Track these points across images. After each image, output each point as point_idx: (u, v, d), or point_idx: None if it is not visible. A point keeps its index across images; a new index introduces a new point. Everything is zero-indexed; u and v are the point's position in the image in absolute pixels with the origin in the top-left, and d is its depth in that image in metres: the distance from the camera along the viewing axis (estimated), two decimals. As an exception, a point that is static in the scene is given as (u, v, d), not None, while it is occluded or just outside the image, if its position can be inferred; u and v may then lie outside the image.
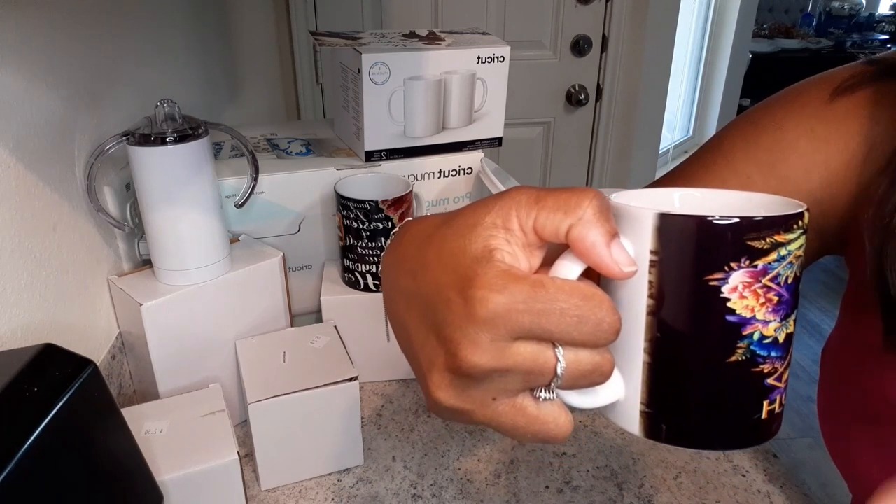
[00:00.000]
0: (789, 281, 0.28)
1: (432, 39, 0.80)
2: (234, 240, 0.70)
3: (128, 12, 0.75)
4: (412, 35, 0.82)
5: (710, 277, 0.27)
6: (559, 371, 0.26)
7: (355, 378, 0.59)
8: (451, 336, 0.26)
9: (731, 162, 0.47)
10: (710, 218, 0.26)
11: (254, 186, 0.67)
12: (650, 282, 0.28)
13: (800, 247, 0.28)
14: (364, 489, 0.61)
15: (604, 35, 1.81)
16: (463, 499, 0.60)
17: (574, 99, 1.86)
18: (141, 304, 0.58)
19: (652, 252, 0.28)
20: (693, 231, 0.27)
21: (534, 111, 1.86)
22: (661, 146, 2.34)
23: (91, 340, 0.62)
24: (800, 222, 0.27)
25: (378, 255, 0.70)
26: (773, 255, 0.27)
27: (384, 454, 0.65)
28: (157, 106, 0.58)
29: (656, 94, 2.04)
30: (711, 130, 2.78)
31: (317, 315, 0.75)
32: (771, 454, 0.64)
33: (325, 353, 0.63)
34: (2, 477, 0.32)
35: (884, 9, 5.02)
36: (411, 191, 0.70)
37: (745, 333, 0.28)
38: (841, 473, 0.50)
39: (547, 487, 0.60)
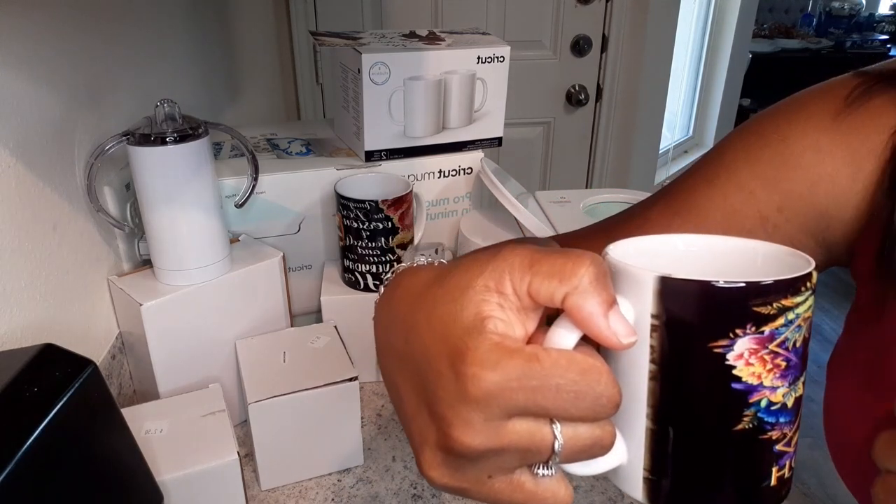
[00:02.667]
0: (798, 344, 0.26)
1: (432, 39, 0.80)
2: (234, 240, 0.70)
3: (128, 13, 0.75)
4: (412, 35, 0.82)
5: (715, 344, 0.26)
6: (557, 448, 0.25)
7: (355, 378, 0.59)
8: (442, 414, 0.25)
9: (734, 176, 0.46)
10: (713, 283, 0.25)
11: (254, 186, 0.67)
12: (652, 346, 0.27)
13: (808, 308, 0.26)
14: (364, 489, 0.61)
15: (604, 35, 1.81)
16: (463, 499, 0.60)
17: (574, 99, 1.86)
18: (141, 304, 0.58)
19: (653, 316, 0.26)
20: (696, 296, 0.25)
21: (534, 111, 1.86)
22: (661, 146, 2.34)
23: (91, 340, 0.62)
24: (808, 283, 0.26)
25: (378, 255, 0.70)
26: (781, 320, 0.25)
27: (384, 454, 0.65)
28: (157, 106, 0.58)
29: (656, 94, 2.04)
30: (711, 130, 2.78)
31: (317, 315, 0.75)
32: (771, 454, 0.64)
33: (325, 353, 0.63)
34: (2, 477, 0.32)
35: (884, 9, 5.02)
36: (411, 191, 0.70)
37: (751, 401, 0.26)
38: (840, 474, 0.50)
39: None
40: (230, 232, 0.71)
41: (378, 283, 0.71)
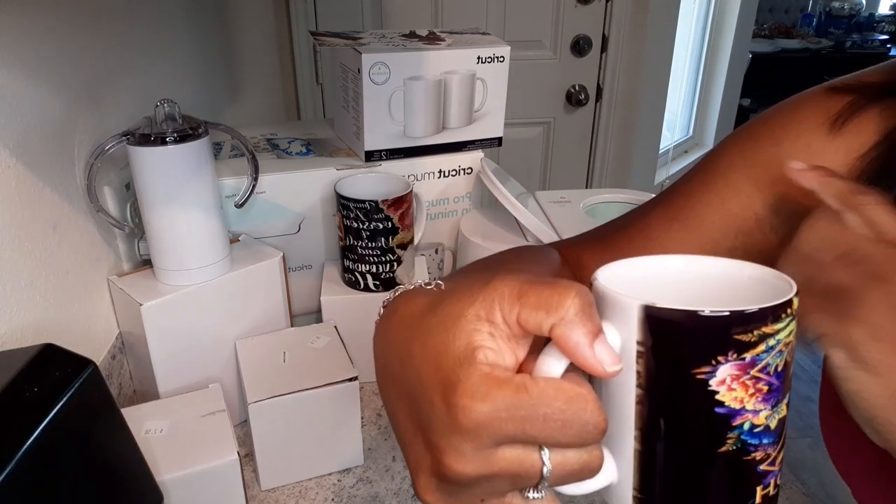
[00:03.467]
0: (779, 369, 0.27)
1: (432, 39, 0.80)
2: (234, 240, 0.70)
3: (128, 13, 0.75)
4: (412, 35, 0.82)
5: (698, 371, 0.26)
6: (545, 473, 0.26)
7: (355, 378, 0.59)
8: (436, 443, 0.26)
9: (730, 180, 0.47)
10: (696, 311, 0.26)
11: (254, 186, 0.67)
12: (638, 371, 0.28)
13: (789, 334, 0.27)
14: (364, 489, 0.61)
15: (604, 35, 1.81)
16: None
17: (574, 99, 1.86)
18: (141, 304, 0.58)
19: (638, 342, 0.27)
20: (679, 324, 0.26)
21: (534, 111, 1.86)
22: (661, 146, 2.34)
23: (91, 340, 0.62)
24: (788, 310, 0.27)
25: (378, 255, 0.70)
26: (762, 347, 0.26)
27: (384, 454, 0.65)
28: (157, 106, 0.58)
29: (656, 94, 2.04)
30: (711, 130, 2.78)
31: (317, 315, 0.75)
32: (771, 454, 0.64)
33: (325, 353, 0.63)
34: (2, 477, 0.32)
35: (884, 9, 5.02)
36: (411, 191, 0.70)
37: (734, 424, 0.27)
38: (840, 474, 0.50)
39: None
40: (230, 232, 0.71)
41: (378, 283, 0.71)
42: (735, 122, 2.88)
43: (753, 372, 0.27)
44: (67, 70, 0.60)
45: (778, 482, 0.30)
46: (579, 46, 1.80)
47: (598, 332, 0.26)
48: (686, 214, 0.49)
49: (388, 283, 0.71)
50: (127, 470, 0.43)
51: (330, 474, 0.63)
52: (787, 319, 0.27)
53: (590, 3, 1.76)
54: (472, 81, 0.79)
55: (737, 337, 0.26)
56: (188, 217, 0.60)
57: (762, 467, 0.29)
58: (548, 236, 0.74)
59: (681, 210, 0.49)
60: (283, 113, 1.71)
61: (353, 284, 0.72)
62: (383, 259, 0.70)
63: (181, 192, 0.59)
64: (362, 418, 0.69)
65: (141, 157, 0.57)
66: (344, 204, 0.68)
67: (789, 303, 0.27)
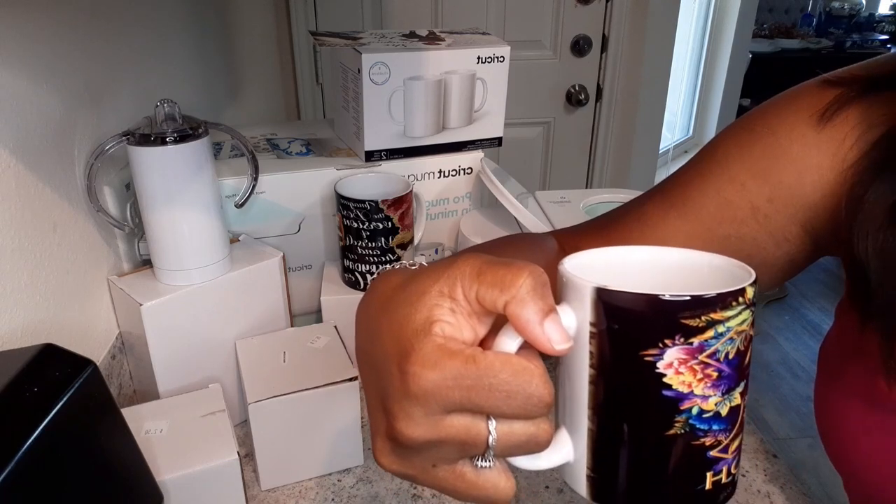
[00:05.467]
0: (731, 356, 0.28)
1: (432, 39, 0.80)
2: (234, 240, 0.70)
3: (128, 13, 0.75)
4: (412, 35, 0.82)
5: (645, 353, 0.27)
6: (491, 442, 0.27)
7: (355, 378, 0.59)
8: (390, 408, 0.28)
9: (726, 170, 0.48)
10: (642, 294, 0.27)
11: (254, 186, 0.67)
12: (591, 352, 0.29)
13: (742, 322, 0.27)
14: (364, 489, 0.61)
15: (604, 35, 1.81)
16: (453, 501, 0.60)
17: (574, 99, 1.86)
18: (141, 304, 0.58)
19: (591, 324, 0.28)
20: (627, 307, 0.27)
21: (534, 111, 1.86)
22: (661, 146, 2.34)
23: (91, 340, 0.62)
24: (740, 298, 0.27)
25: (378, 255, 0.70)
26: (710, 333, 0.27)
27: (384, 454, 0.65)
28: (157, 106, 0.58)
29: (656, 94, 2.04)
30: (711, 130, 2.78)
31: (317, 315, 0.75)
32: (771, 454, 0.64)
33: (325, 353, 0.63)
34: (2, 477, 0.32)
35: (884, 9, 5.02)
36: (411, 191, 0.70)
37: (682, 408, 0.28)
38: (835, 467, 0.50)
39: (547, 487, 0.60)
40: (230, 232, 0.71)
41: (378, 283, 0.71)
42: (735, 122, 2.88)
43: (702, 357, 0.27)
44: (67, 70, 0.60)
45: (733, 471, 0.30)
46: (579, 46, 1.80)
47: (549, 311, 0.27)
48: (682, 202, 0.50)
49: (388, 283, 0.71)
50: (127, 470, 0.43)
51: (330, 474, 0.63)
52: (739, 308, 0.27)
53: (590, 3, 1.76)
54: (472, 81, 0.79)
55: (684, 321, 0.26)
56: (188, 217, 0.60)
57: (712, 453, 0.29)
58: (548, 236, 0.74)
59: (677, 198, 0.50)
60: (283, 113, 1.71)
61: (353, 284, 0.72)
62: (383, 259, 0.70)
63: (181, 192, 0.59)
64: (362, 418, 0.69)
65: (141, 157, 0.57)
66: (344, 204, 0.68)
67: (741, 291, 0.27)
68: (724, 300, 0.27)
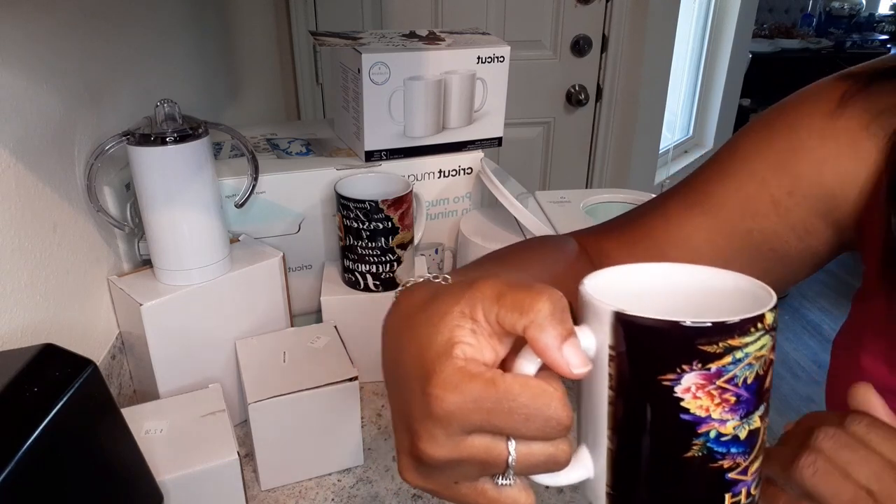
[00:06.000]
0: (749, 381, 0.28)
1: (432, 39, 0.80)
2: (234, 240, 0.70)
3: (128, 13, 0.75)
4: (412, 35, 0.82)
5: (663, 378, 0.27)
6: (510, 462, 0.28)
7: (355, 378, 0.59)
8: (414, 428, 0.29)
9: (746, 166, 0.49)
10: (660, 320, 0.27)
11: (254, 186, 0.67)
12: (610, 374, 0.29)
13: (761, 347, 0.27)
14: (364, 489, 0.61)
15: (604, 35, 1.81)
16: None
17: (574, 99, 1.86)
18: (141, 304, 0.58)
19: (610, 347, 0.28)
20: (645, 332, 0.27)
21: (534, 111, 1.86)
22: (661, 146, 2.34)
23: (91, 340, 0.62)
24: (759, 324, 0.27)
25: (378, 255, 0.70)
26: (728, 359, 0.27)
27: (384, 454, 0.65)
28: (157, 106, 0.58)
29: (656, 94, 2.04)
30: (711, 130, 2.78)
31: (317, 315, 0.75)
32: (771, 454, 0.64)
33: (325, 353, 0.63)
34: (2, 477, 0.32)
35: (884, 9, 5.02)
36: (411, 191, 0.70)
37: (700, 431, 0.28)
38: None
39: (547, 488, 0.60)
40: (230, 232, 0.71)
41: (378, 283, 0.71)
42: (735, 122, 2.88)
43: (719, 382, 0.27)
44: (67, 70, 0.60)
45: (753, 492, 0.30)
46: (579, 46, 1.80)
47: (567, 335, 0.27)
48: (704, 199, 0.50)
49: (388, 283, 0.71)
50: (127, 470, 0.43)
51: (330, 474, 0.63)
52: (758, 333, 0.27)
53: (590, 3, 1.76)
54: (472, 81, 0.79)
55: (701, 347, 0.27)
56: (188, 217, 0.60)
57: (731, 475, 0.29)
58: (548, 236, 0.74)
59: (699, 195, 0.51)
60: (283, 113, 1.71)
61: (353, 284, 0.72)
62: (383, 259, 0.70)
63: (181, 192, 0.59)
64: (362, 418, 0.69)
65: (141, 157, 0.57)
66: (344, 204, 0.68)
67: (760, 317, 0.27)
68: (743, 326, 0.27)
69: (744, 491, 0.30)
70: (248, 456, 0.63)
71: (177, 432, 0.54)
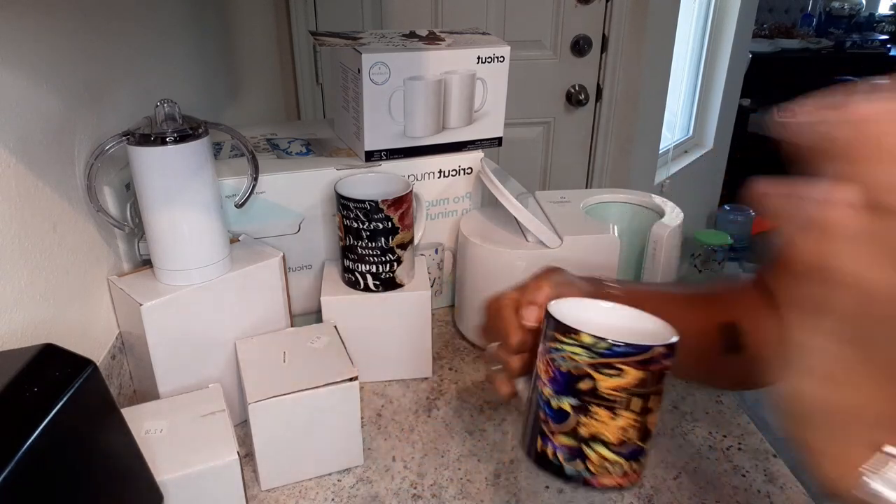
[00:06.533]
0: (561, 369, 0.42)
1: (432, 39, 0.80)
2: (234, 240, 0.70)
3: (128, 13, 0.75)
4: (412, 35, 0.82)
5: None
6: None
7: (355, 378, 0.59)
8: None
9: None
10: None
11: (254, 186, 0.67)
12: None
13: (574, 353, 0.41)
14: (364, 489, 0.61)
15: (604, 35, 1.81)
16: (463, 499, 0.60)
17: (574, 99, 1.86)
18: (141, 304, 0.58)
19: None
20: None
21: (534, 111, 1.86)
22: (661, 146, 2.34)
23: (91, 340, 0.62)
24: (574, 336, 0.41)
25: (378, 255, 0.70)
26: (556, 345, 0.42)
27: (384, 454, 0.65)
28: (157, 106, 0.58)
29: (656, 94, 2.04)
30: (711, 130, 2.78)
31: (317, 315, 0.75)
32: (771, 454, 0.64)
33: (325, 353, 0.63)
34: (2, 477, 0.32)
35: (884, 9, 5.02)
36: (411, 191, 0.70)
37: (539, 382, 0.44)
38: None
39: (547, 487, 0.60)
40: (230, 232, 0.71)
41: (378, 283, 0.71)
42: (735, 122, 2.88)
43: (547, 357, 0.43)
44: (67, 70, 0.60)
45: (557, 454, 0.43)
46: (579, 46, 1.80)
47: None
48: None
49: (388, 283, 0.71)
50: (127, 470, 0.43)
51: (330, 474, 0.63)
52: (570, 342, 0.41)
53: (590, 3, 1.76)
54: (472, 81, 0.79)
55: (552, 332, 0.43)
56: (188, 217, 0.60)
57: (543, 428, 0.43)
58: (548, 236, 0.74)
59: None
60: (283, 113, 1.71)
61: (353, 284, 0.72)
62: (383, 259, 0.70)
63: (181, 192, 0.59)
64: (362, 418, 0.69)
65: (141, 157, 0.57)
66: (344, 204, 0.68)
67: (577, 332, 0.41)
68: (567, 332, 0.41)
69: (550, 449, 0.43)
70: (248, 456, 0.63)
71: (177, 432, 0.54)
